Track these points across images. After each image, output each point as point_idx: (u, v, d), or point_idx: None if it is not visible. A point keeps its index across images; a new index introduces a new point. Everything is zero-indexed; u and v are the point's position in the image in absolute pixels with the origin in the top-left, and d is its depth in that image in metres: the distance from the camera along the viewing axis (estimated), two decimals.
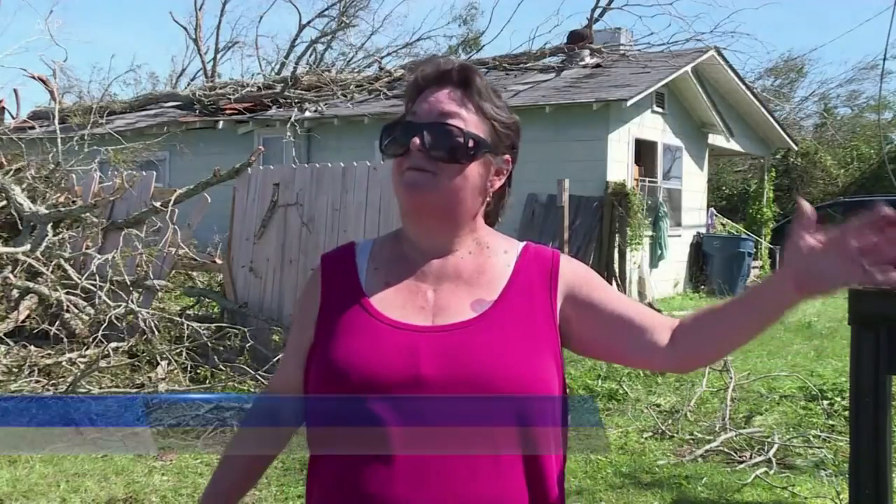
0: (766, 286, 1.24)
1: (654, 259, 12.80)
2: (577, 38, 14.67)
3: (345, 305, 1.34)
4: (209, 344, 6.37)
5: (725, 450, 4.99)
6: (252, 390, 5.78)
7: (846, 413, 5.03)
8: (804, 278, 1.15)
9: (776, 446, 4.95)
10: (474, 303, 1.31)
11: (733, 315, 1.28)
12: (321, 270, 1.41)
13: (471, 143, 1.30)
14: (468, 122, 1.31)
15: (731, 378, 6.01)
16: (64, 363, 6.20)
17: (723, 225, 15.97)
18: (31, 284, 6.93)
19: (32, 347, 6.38)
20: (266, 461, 1.47)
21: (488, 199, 1.38)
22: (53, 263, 6.93)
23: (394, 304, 1.32)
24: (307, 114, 13.75)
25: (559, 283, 1.36)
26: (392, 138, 1.33)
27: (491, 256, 1.37)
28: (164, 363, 6.24)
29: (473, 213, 1.36)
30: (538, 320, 1.31)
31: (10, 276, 6.81)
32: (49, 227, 7.28)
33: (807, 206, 1.13)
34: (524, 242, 1.42)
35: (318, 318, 1.36)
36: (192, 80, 21.86)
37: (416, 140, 1.29)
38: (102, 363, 6.06)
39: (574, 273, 1.38)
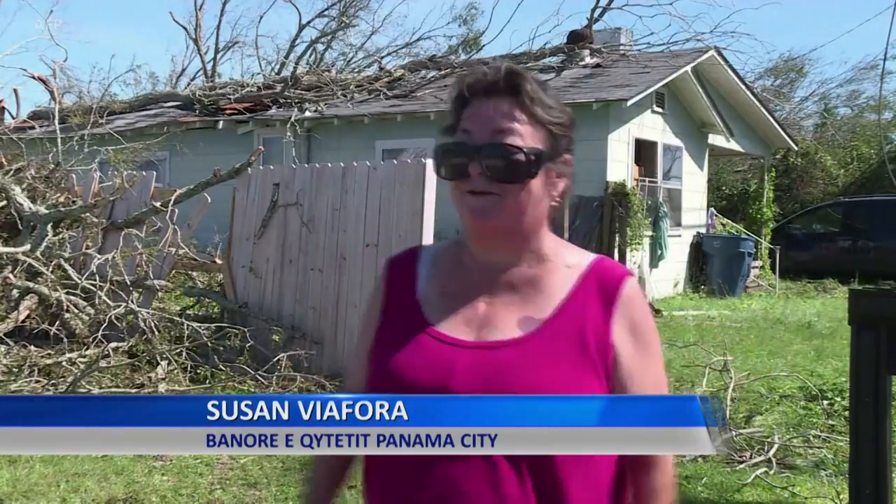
0: None
1: (654, 259, 12.81)
2: (577, 38, 14.67)
3: (399, 312, 1.36)
4: (209, 344, 6.37)
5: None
6: (252, 390, 5.78)
7: (846, 413, 5.02)
8: None
9: (776, 446, 4.95)
10: (522, 320, 1.28)
11: None
12: (385, 275, 1.42)
13: (532, 159, 1.26)
14: (524, 135, 1.27)
15: (731, 378, 6.02)
16: (64, 363, 6.20)
17: (723, 225, 15.98)
18: (31, 284, 6.94)
19: (32, 347, 6.38)
20: (350, 459, 1.45)
21: (553, 203, 1.34)
22: (53, 263, 6.94)
23: (443, 314, 1.32)
24: (307, 114, 13.75)
25: (617, 310, 1.29)
26: (448, 161, 1.30)
27: (551, 271, 1.32)
28: (164, 363, 6.24)
29: (538, 224, 1.33)
30: (588, 345, 1.26)
31: (10, 276, 6.81)
32: (49, 227, 7.28)
33: None
34: (596, 257, 1.36)
35: (379, 322, 1.38)
36: (192, 80, 21.82)
37: (477, 167, 1.26)
38: (102, 363, 6.06)
39: (633, 314, 1.30)
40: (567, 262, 1.34)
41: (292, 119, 13.27)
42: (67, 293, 6.77)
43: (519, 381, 1.22)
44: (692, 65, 13.11)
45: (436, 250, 1.43)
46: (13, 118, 14.26)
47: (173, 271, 7.66)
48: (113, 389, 5.84)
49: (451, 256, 1.39)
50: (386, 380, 1.29)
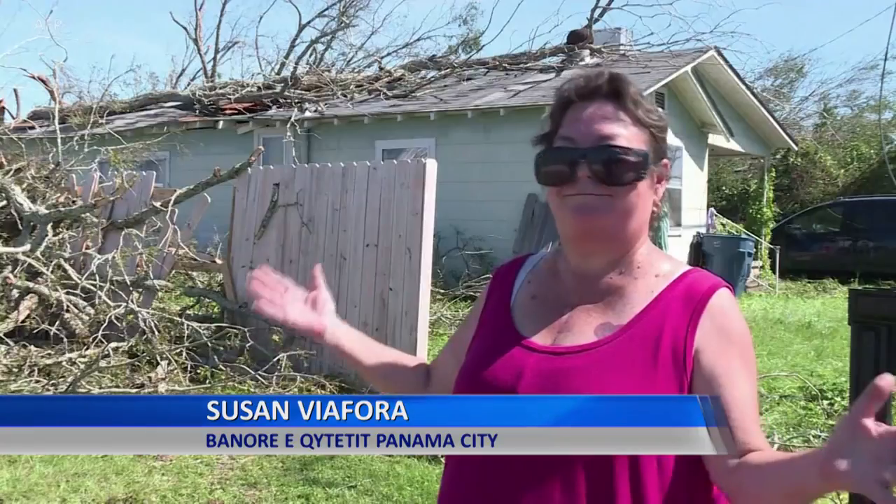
0: (803, 460, 1.03)
1: None
2: (577, 38, 14.67)
3: (493, 317, 1.40)
4: (209, 344, 6.37)
5: None
6: (252, 390, 5.78)
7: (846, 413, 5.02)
8: (831, 462, 0.94)
9: (776, 446, 4.95)
10: (599, 326, 1.27)
11: (773, 479, 1.09)
12: (489, 283, 1.47)
13: (640, 161, 1.26)
14: (630, 138, 1.27)
15: None
16: (64, 363, 6.20)
17: (723, 225, 15.98)
18: (31, 284, 6.93)
19: (32, 347, 6.38)
20: (378, 368, 1.52)
21: (654, 209, 1.33)
22: (53, 263, 6.93)
23: (528, 319, 1.34)
24: (307, 114, 13.75)
25: (703, 320, 1.23)
26: (550, 166, 1.29)
27: (638, 278, 1.30)
28: (164, 363, 6.24)
29: (641, 230, 1.32)
30: (664, 353, 1.22)
31: (10, 276, 6.81)
32: (49, 227, 7.28)
33: (888, 382, 0.90)
34: (688, 268, 1.32)
35: (475, 327, 1.42)
36: (192, 80, 21.81)
37: (585, 170, 1.24)
38: (102, 363, 6.06)
39: (722, 325, 1.23)
40: (658, 271, 1.31)
41: (292, 119, 13.26)
42: (67, 293, 6.77)
43: (578, 388, 1.21)
44: (692, 65, 13.11)
45: (538, 259, 1.45)
46: (13, 118, 14.26)
47: (173, 271, 7.66)
48: (113, 389, 5.84)
49: (547, 264, 1.41)
50: (467, 378, 1.34)
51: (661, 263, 1.33)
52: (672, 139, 13.74)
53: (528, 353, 1.29)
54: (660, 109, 1.33)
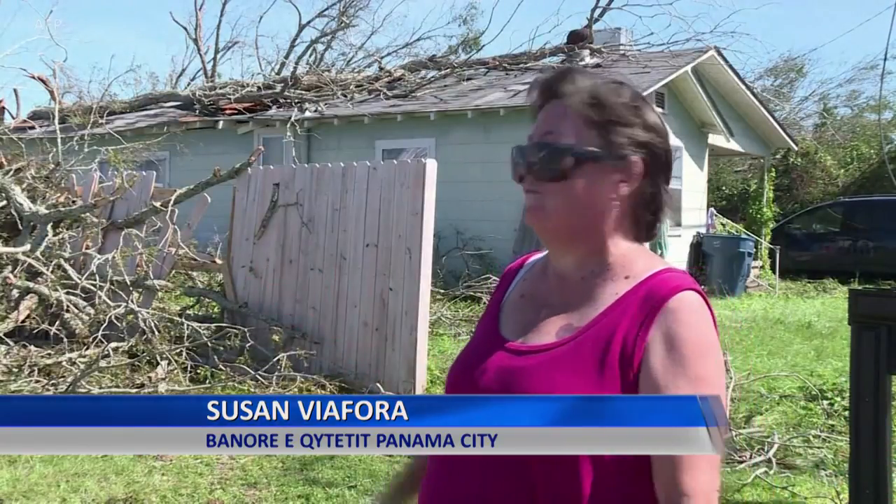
0: None
1: None
2: (577, 38, 14.68)
3: (488, 311, 1.42)
4: (209, 344, 6.37)
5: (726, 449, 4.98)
6: (252, 390, 5.78)
7: (846, 413, 5.03)
8: None
9: (776, 446, 4.95)
10: (561, 327, 1.27)
11: None
12: (501, 277, 1.49)
13: (566, 158, 1.24)
14: (566, 134, 1.25)
15: (731, 378, 6.02)
16: (64, 363, 6.20)
17: (723, 225, 15.98)
18: (31, 284, 6.93)
19: (32, 347, 6.38)
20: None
21: (613, 210, 1.27)
22: (53, 263, 6.93)
23: (511, 317, 1.36)
24: (307, 114, 13.75)
25: (655, 323, 1.19)
26: (511, 164, 1.32)
27: (608, 280, 1.27)
28: (164, 363, 6.24)
29: (596, 230, 1.28)
30: (610, 360, 1.20)
31: (10, 276, 6.81)
32: (49, 227, 7.28)
33: None
34: (661, 268, 1.27)
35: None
36: (192, 80, 21.80)
37: (519, 165, 1.29)
38: (102, 363, 6.06)
39: (672, 329, 1.18)
40: (629, 272, 1.27)
41: (292, 119, 13.26)
42: (67, 293, 6.77)
43: (527, 387, 1.22)
44: (692, 65, 13.12)
45: (538, 258, 1.45)
46: (13, 118, 14.26)
47: (173, 271, 7.66)
48: (113, 389, 5.84)
49: (541, 263, 1.41)
50: (451, 374, 1.37)
51: (636, 264, 1.28)
52: (672, 139, 13.72)
53: (498, 351, 1.30)
54: (639, 107, 1.27)
